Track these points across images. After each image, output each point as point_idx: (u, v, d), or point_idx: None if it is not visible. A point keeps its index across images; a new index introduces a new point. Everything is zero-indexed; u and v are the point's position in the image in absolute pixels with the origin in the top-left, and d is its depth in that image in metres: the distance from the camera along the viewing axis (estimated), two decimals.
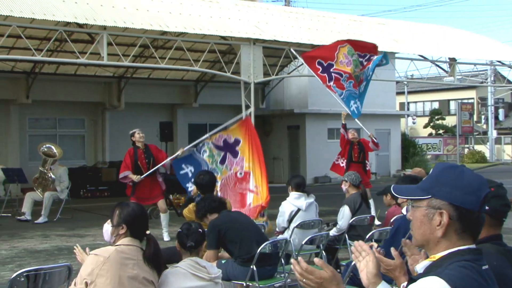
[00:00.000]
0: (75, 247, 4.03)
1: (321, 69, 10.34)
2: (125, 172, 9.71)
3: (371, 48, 10.93)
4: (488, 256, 1.96)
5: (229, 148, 8.65)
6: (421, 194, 1.96)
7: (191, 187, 8.54)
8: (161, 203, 10.16)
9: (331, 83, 10.36)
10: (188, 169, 8.53)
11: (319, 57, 10.40)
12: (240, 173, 8.66)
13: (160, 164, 9.65)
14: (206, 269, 3.98)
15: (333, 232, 7.35)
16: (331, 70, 10.30)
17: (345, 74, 10.30)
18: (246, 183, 8.64)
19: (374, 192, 11.23)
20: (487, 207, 2.06)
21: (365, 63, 10.87)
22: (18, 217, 12.37)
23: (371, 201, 11.23)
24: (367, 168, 12.02)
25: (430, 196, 1.93)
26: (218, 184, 8.32)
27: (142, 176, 9.61)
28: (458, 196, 1.88)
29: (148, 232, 3.69)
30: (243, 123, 8.96)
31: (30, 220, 12.14)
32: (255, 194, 8.62)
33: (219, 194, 8.41)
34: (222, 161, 8.56)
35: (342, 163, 11.87)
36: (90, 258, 3.52)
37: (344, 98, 10.49)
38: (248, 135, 8.81)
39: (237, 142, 8.73)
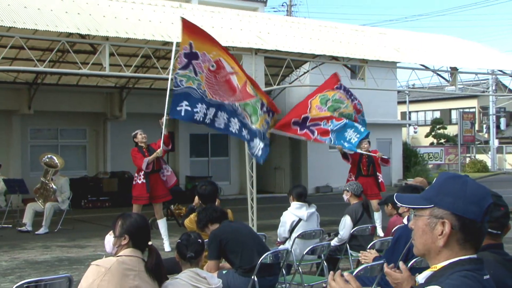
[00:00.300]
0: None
1: (299, 129, 10.24)
2: (144, 160, 9.77)
3: (334, 79, 10.99)
4: (486, 264, 1.95)
5: (191, 56, 8.08)
6: (423, 203, 1.96)
7: (199, 111, 8.23)
8: (159, 208, 10.17)
9: (316, 136, 10.26)
10: (184, 106, 8.21)
11: (292, 118, 10.28)
12: (212, 65, 8.13)
13: (161, 146, 9.71)
14: (207, 280, 3.97)
15: (334, 242, 7.34)
16: (308, 123, 10.20)
17: (323, 121, 10.22)
18: (222, 69, 8.20)
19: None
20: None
21: (344, 95, 10.83)
22: (19, 228, 12.34)
23: (379, 213, 11.21)
24: (380, 181, 11.58)
25: (432, 206, 1.93)
26: (207, 93, 8.11)
27: (160, 150, 9.72)
28: (461, 206, 1.87)
29: (150, 243, 3.68)
30: (183, 27, 8.42)
31: (31, 231, 12.12)
32: (236, 74, 8.32)
33: (212, 98, 8.07)
34: (195, 72, 8.04)
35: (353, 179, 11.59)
36: (91, 268, 3.50)
37: (335, 142, 10.33)
38: (193, 33, 8.26)
39: (190, 46, 8.05)
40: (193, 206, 6.78)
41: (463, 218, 1.87)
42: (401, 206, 5.29)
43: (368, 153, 11.36)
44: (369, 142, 11.71)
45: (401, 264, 2.62)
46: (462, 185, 1.91)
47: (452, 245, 1.90)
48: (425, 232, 1.94)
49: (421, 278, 2.01)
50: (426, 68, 15.75)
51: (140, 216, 3.83)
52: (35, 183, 12.88)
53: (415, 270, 2.80)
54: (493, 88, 35.22)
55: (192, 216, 6.40)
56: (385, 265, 2.74)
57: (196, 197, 6.66)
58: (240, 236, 5.40)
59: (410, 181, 13.01)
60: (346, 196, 7.83)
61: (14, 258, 9.53)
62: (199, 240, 4.24)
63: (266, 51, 11.82)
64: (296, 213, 7.08)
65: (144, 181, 9.86)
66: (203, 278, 3.96)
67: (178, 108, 7.99)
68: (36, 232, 11.96)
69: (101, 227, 12.08)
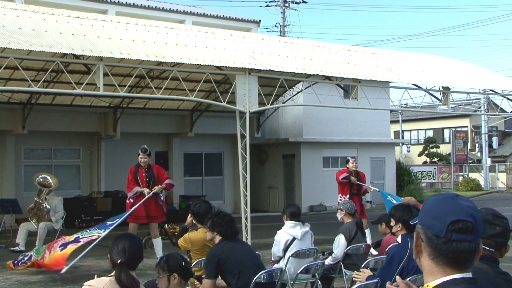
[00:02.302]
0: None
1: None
2: (134, 189, 10.14)
3: None
4: (472, 271, 1.97)
5: None
6: (415, 220, 2.09)
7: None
8: (154, 228, 10.29)
9: None
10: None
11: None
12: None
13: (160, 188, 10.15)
14: None
15: (328, 261, 7.35)
16: None
17: None
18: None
19: (370, 220, 11.25)
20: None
21: None
22: (12, 248, 12.25)
23: (368, 230, 11.26)
24: (362, 202, 11.94)
25: (416, 221, 2.05)
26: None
27: (151, 193, 10.00)
28: (427, 220, 1.94)
29: (119, 260, 3.61)
30: None
31: (24, 251, 12.03)
32: None
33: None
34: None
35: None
36: None
37: None
38: None
39: None
40: (186, 226, 6.78)
41: (427, 231, 1.93)
42: (394, 226, 5.33)
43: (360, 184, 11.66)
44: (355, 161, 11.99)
45: (397, 278, 2.67)
46: (434, 201, 1.98)
47: (427, 260, 1.93)
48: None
49: None
50: (419, 88, 15.87)
51: (132, 238, 3.82)
52: (29, 203, 12.83)
53: None
54: (485, 107, 35.48)
55: (186, 235, 6.40)
56: (387, 283, 2.81)
57: (189, 217, 6.67)
58: (239, 256, 5.34)
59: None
60: (340, 215, 7.87)
61: (6, 278, 9.47)
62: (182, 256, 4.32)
63: (259, 71, 11.90)
64: (290, 232, 7.08)
65: (132, 201, 10.15)
66: None
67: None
68: None
69: (95, 246, 11.99)
